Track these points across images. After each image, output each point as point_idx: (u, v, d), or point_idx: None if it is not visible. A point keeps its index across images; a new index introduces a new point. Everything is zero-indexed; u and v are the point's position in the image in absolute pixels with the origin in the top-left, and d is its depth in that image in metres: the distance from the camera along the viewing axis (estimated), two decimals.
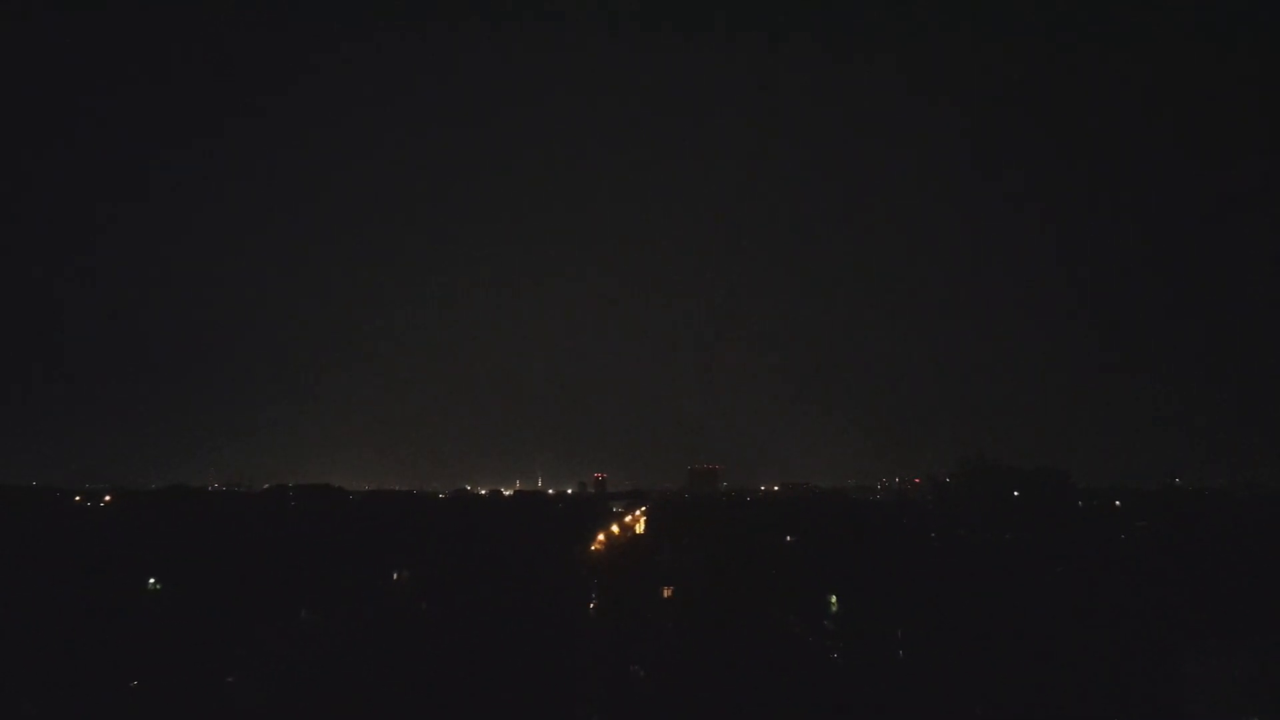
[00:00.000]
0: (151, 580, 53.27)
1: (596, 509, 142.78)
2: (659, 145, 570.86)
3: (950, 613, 35.22)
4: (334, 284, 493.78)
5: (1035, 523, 79.73)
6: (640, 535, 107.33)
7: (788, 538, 74.35)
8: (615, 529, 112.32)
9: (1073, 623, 31.50)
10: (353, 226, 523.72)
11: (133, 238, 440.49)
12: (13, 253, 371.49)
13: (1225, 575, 39.17)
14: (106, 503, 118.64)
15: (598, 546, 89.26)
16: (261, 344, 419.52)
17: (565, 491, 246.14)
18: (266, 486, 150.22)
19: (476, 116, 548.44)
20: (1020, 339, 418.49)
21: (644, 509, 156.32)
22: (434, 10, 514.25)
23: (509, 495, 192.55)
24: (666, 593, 53.33)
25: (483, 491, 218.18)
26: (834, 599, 46.12)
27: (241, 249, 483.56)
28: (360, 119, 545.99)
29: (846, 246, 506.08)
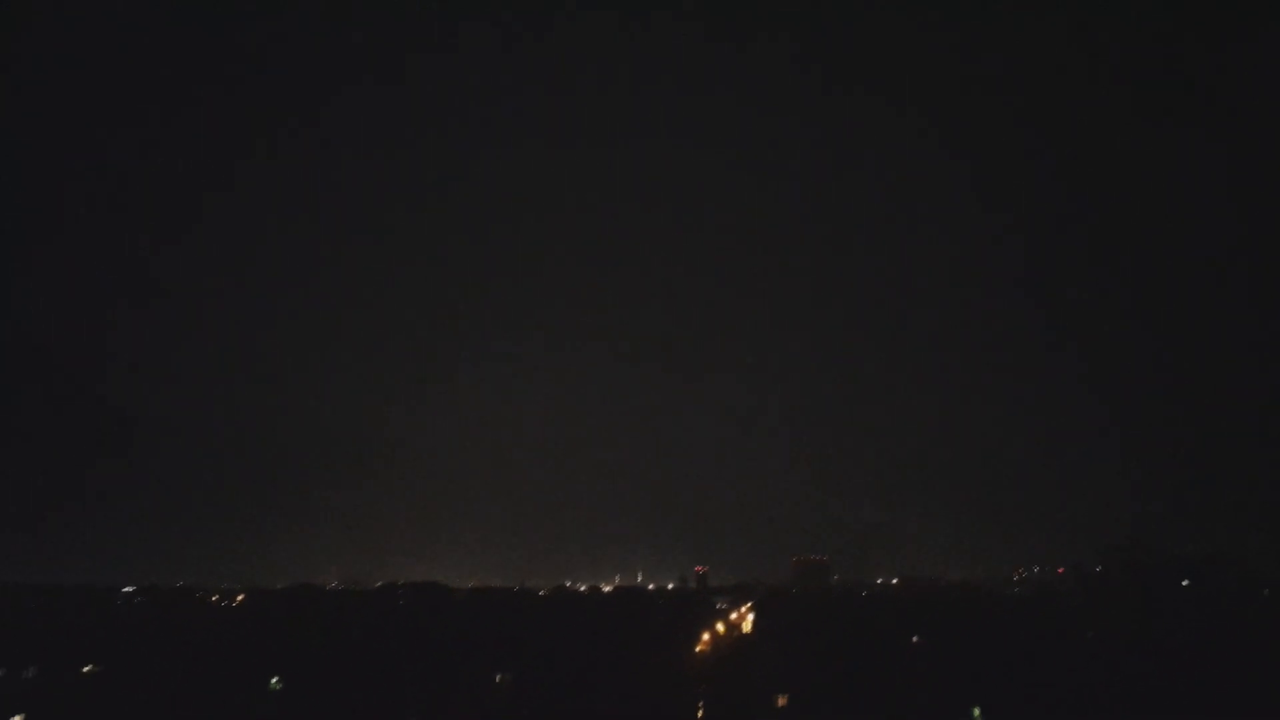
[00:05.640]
0: (274, 679, 56.49)
1: (699, 606, 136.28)
2: (742, 236, 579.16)
3: None
4: (433, 384, 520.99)
5: (1214, 621, 68.23)
6: (747, 634, 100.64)
7: (914, 638, 67.33)
8: (720, 627, 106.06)
9: None
10: (449, 323, 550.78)
11: (240, 345, 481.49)
12: (153, 369, 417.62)
13: None
14: (239, 602, 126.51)
15: (702, 647, 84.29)
16: (372, 450, 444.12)
17: (666, 587, 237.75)
18: (379, 585, 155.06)
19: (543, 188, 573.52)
20: (1168, 402, 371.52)
21: (749, 605, 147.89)
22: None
23: (609, 591, 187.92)
24: (781, 701, 48.99)
25: (582, 588, 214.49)
26: (977, 712, 40.47)
27: (347, 353, 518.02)
28: (408, 188, 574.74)
29: (964, 307, 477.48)
